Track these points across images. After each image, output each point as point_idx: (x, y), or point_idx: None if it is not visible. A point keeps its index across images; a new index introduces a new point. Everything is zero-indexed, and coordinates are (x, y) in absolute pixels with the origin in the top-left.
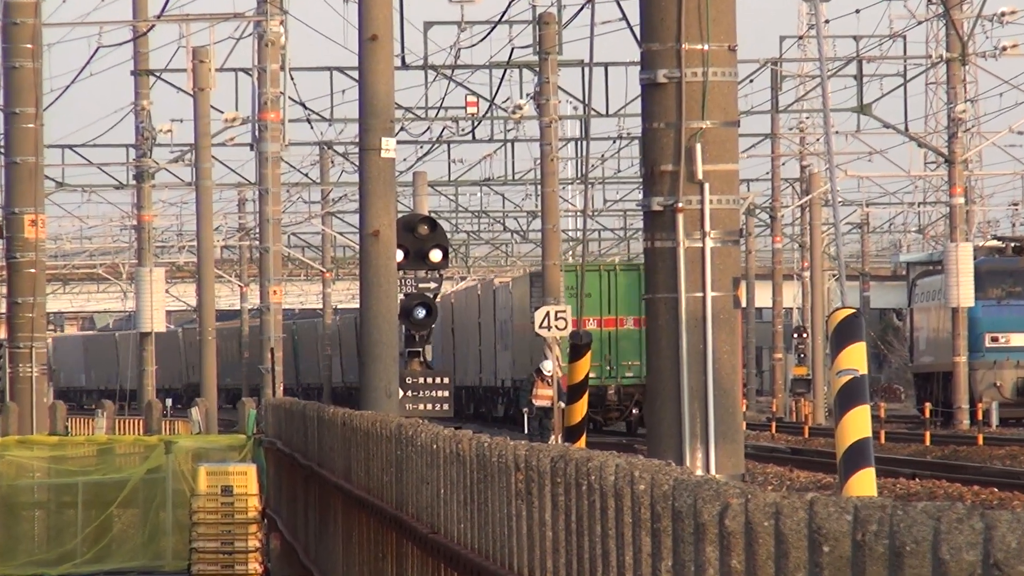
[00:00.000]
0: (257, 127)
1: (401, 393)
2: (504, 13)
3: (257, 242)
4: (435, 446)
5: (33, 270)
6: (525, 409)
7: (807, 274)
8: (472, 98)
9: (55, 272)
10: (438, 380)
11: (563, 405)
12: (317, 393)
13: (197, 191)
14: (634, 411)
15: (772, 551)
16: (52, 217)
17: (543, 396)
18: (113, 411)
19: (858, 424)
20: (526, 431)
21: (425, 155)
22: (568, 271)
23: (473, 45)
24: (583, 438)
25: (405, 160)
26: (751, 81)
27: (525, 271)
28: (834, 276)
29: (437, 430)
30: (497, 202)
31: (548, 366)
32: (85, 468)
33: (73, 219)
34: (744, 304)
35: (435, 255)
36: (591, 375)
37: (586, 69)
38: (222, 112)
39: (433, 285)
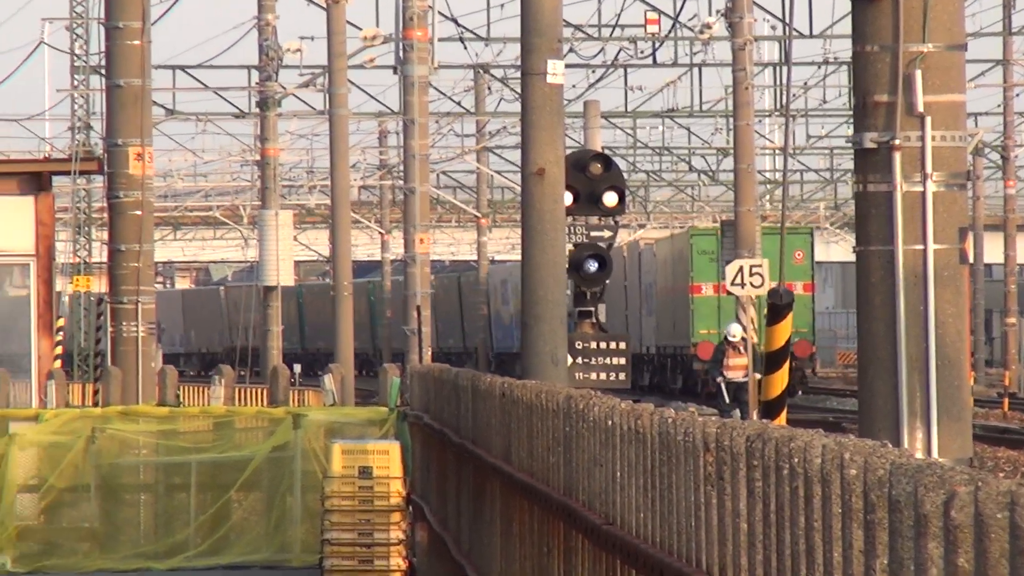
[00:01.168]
0: (401, 47)
1: (570, 360)
2: None
3: (401, 182)
4: (610, 422)
5: (139, 212)
6: (719, 379)
7: None
8: (653, 15)
9: (164, 215)
10: (613, 345)
11: (758, 376)
12: (459, 360)
13: (331, 121)
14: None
15: (1006, 548)
16: (161, 150)
17: (736, 366)
18: (232, 378)
19: None
20: (727, 401)
21: (598, 81)
22: (705, 235)
23: None
24: (783, 413)
25: (574, 87)
26: None
27: (716, 218)
28: None
29: (612, 403)
30: (682, 137)
31: (735, 329)
32: (199, 445)
33: (185, 153)
34: (971, 259)
35: (609, 198)
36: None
37: None
38: (360, 29)
39: (607, 234)
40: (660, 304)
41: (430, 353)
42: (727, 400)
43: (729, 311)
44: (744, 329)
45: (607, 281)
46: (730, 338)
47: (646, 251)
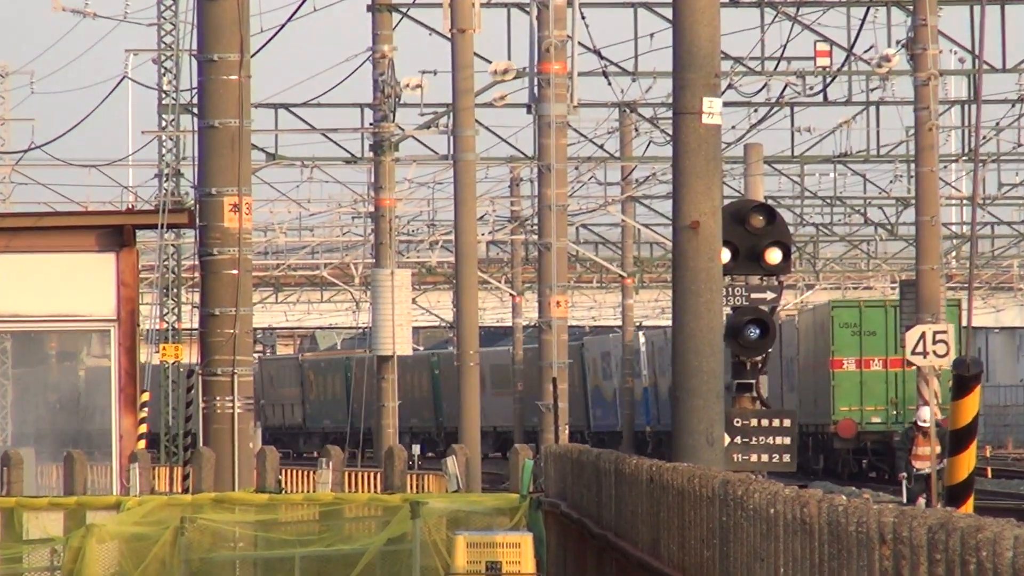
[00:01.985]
0: (536, 82)
1: (727, 439)
2: None
3: (534, 236)
4: (773, 510)
5: (235, 271)
6: (902, 476)
7: None
8: (823, 46)
9: (264, 275)
10: (777, 422)
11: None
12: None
13: (455, 167)
14: None
15: None
16: (261, 200)
17: (925, 456)
18: (342, 461)
19: None
20: (904, 500)
21: (760, 122)
22: (847, 308)
23: None
24: (970, 500)
25: (734, 128)
26: None
27: (894, 277)
28: None
29: (775, 489)
30: (856, 185)
31: (926, 414)
32: (304, 537)
33: (289, 203)
34: None
35: (773, 255)
36: (875, 420)
37: (976, 7)
38: (490, 62)
39: (770, 295)
40: (801, 380)
41: (567, 432)
42: (916, 493)
43: (873, 387)
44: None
45: (769, 350)
46: (920, 423)
47: (787, 323)
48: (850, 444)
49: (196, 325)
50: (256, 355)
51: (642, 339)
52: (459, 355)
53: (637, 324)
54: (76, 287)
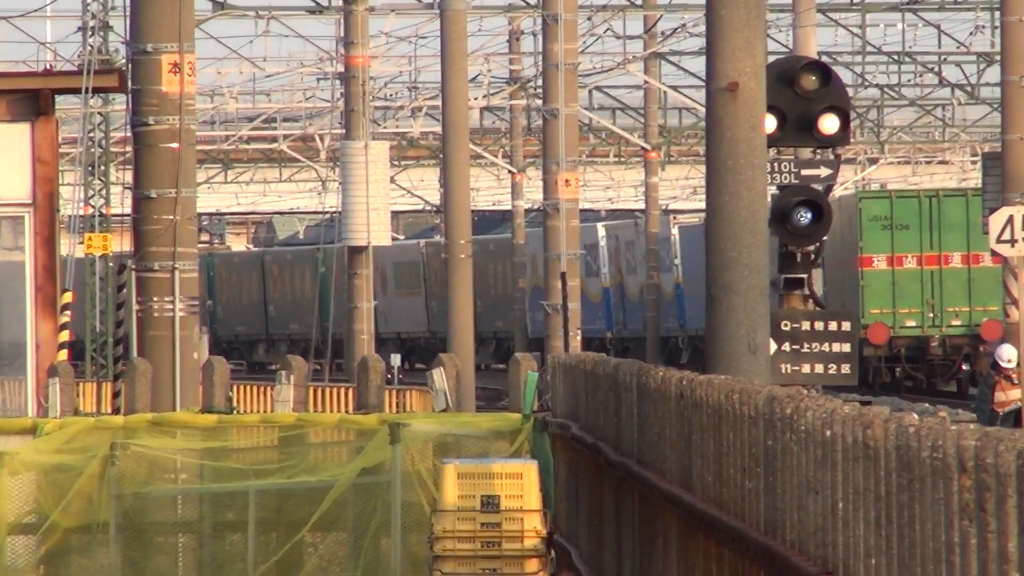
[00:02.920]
0: None
1: (773, 347)
2: None
3: (538, 101)
4: (829, 432)
5: (175, 145)
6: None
7: None
8: None
9: (210, 149)
10: (834, 326)
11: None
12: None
13: (442, 17)
14: (963, 367)
15: None
16: (207, 60)
17: (1009, 401)
18: (305, 373)
19: None
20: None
21: None
22: (876, 199)
23: None
24: None
25: None
26: None
27: (974, 148)
28: None
29: (832, 407)
30: (929, 38)
31: (1008, 353)
32: (261, 466)
33: (240, 63)
34: None
35: (828, 123)
36: (909, 324)
37: None
38: None
39: (825, 172)
40: (826, 280)
41: (579, 338)
42: None
43: (906, 287)
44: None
45: (824, 238)
46: (1003, 364)
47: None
48: (882, 351)
49: (128, 210)
50: (201, 246)
51: (601, 232)
52: (448, 245)
53: (663, 207)
54: None
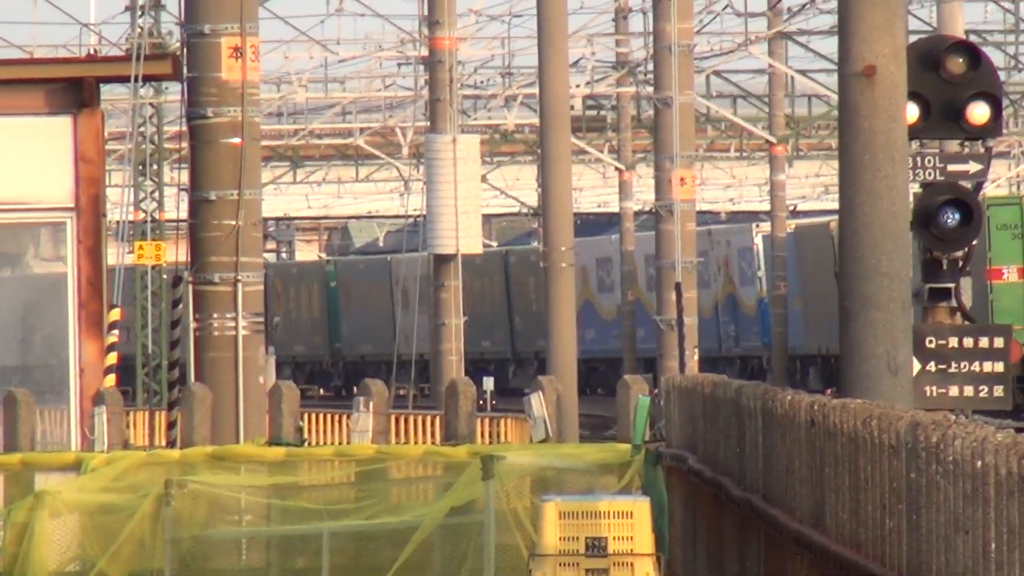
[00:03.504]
0: None
1: (917, 366)
2: None
3: (649, 88)
4: (980, 463)
5: (237, 140)
6: None
7: None
8: None
9: (277, 144)
10: (986, 342)
11: None
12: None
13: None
14: None
15: None
16: (272, 43)
17: None
18: (386, 401)
19: None
20: None
21: None
22: (1006, 206)
23: None
24: None
25: None
26: None
27: None
28: None
29: (983, 434)
30: None
31: None
32: (336, 506)
33: (311, 46)
34: None
35: (978, 112)
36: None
37: None
38: None
39: (975, 167)
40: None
41: (696, 358)
42: None
43: None
44: None
45: (975, 242)
46: None
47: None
48: (1015, 371)
49: (184, 215)
50: (267, 255)
51: (757, 237)
52: (546, 252)
53: (791, 207)
54: (18, 163)
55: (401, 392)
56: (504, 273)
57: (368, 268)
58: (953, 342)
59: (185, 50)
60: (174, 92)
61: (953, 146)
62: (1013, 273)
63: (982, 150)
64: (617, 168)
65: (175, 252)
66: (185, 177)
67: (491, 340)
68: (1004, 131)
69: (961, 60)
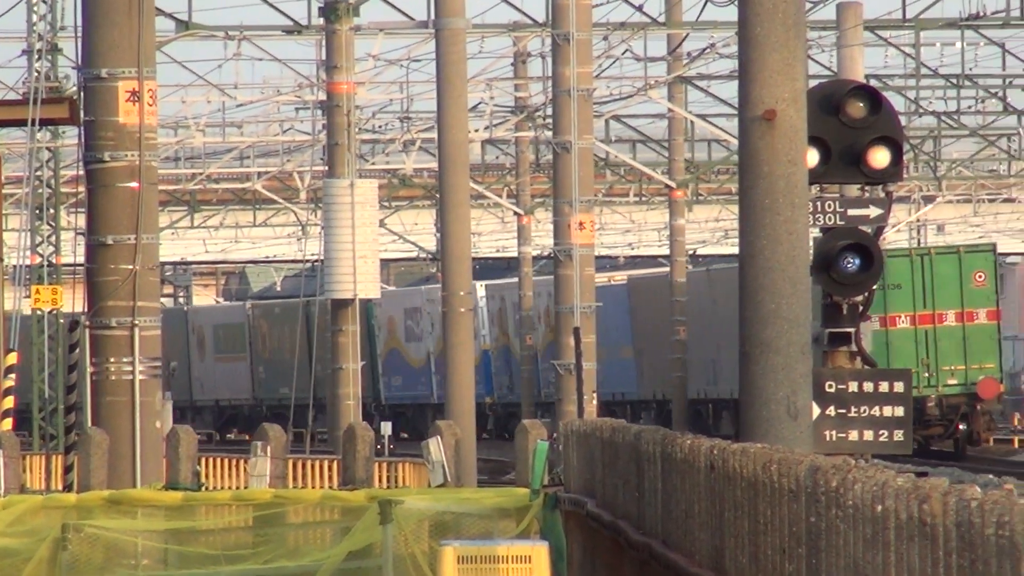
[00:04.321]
0: None
1: (817, 411)
2: None
3: (548, 133)
4: (880, 508)
5: (134, 185)
6: None
7: None
8: None
9: (175, 189)
10: (886, 387)
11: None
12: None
13: (437, 39)
14: (960, 427)
15: None
16: (170, 87)
17: None
18: (283, 444)
19: None
20: None
21: None
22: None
23: None
24: None
25: None
26: None
27: None
28: None
29: (883, 479)
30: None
31: None
32: (233, 551)
33: (208, 90)
34: None
35: (879, 156)
36: None
37: None
38: None
39: (874, 212)
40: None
41: (595, 402)
42: None
43: (901, 347)
44: None
45: (874, 287)
46: None
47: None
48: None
49: (81, 259)
50: (164, 300)
51: (481, 292)
52: (446, 297)
53: (690, 252)
54: None
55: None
56: (306, 321)
57: (283, 312)
58: (853, 386)
59: (82, 94)
60: (71, 136)
61: (853, 190)
62: (875, 322)
63: (883, 194)
64: (516, 212)
65: (72, 297)
66: (82, 221)
67: (289, 387)
68: (904, 176)
69: (862, 104)
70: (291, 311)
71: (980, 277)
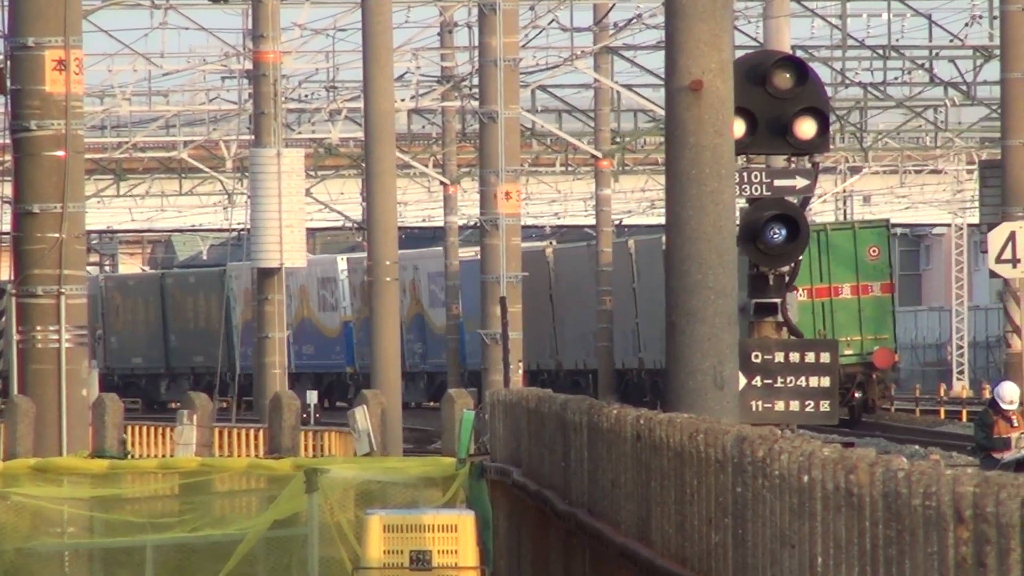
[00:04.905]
0: None
1: (743, 381)
2: None
3: (475, 103)
4: (807, 478)
5: (61, 153)
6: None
7: None
8: None
9: (101, 157)
10: (812, 357)
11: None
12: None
13: (364, 7)
14: (856, 395)
15: None
16: (96, 56)
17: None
18: (210, 412)
19: None
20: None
21: None
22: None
23: None
24: None
25: None
26: None
27: (971, 156)
28: None
29: (810, 449)
30: (919, 30)
31: (1010, 392)
32: (159, 519)
33: (135, 59)
34: None
35: (805, 127)
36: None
37: None
38: None
39: (801, 183)
40: None
41: (522, 372)
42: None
43: (801, 320)
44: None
45: (800, 257)
46: (1003, 404)
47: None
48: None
49: (8, 228)
50: (91, 268)
51: (342, 265)
52: (371, 266)
53: (616, 221)
54: None
55: (224, 405)
56: (160, 294)
57: (199, 280)
58: (779, 357)
59: (9, 63)
60: None
61: (780, 161)
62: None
63: (809, 166)
64: (442, 182)
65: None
66: (9, 190)
67: (143, 357)
68: (831, 147)
69: (788, 75)
70: (206, 280)
71: (874, 252)
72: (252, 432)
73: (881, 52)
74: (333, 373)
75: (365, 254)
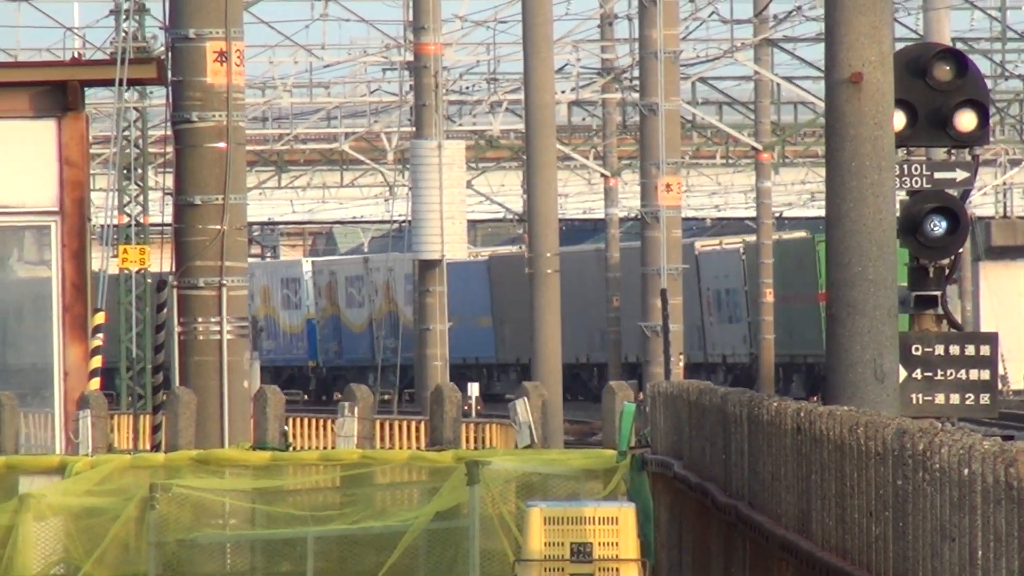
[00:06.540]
0: None
1: (903, 374)
2: None
3: (635, 95)
4: (967, 471)
5: (222, 145)
6: None
7: None
8: None
9: (262, 150)
10: (972, 350)
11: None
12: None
13: (524, 0)
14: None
15: None
16: (257, 47)
17: None
18: (370, 404)
19: None
20: None
21: None
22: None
23: None
24: None
25: None
26: None
27: None
28: None
29: (970, 442)
30: None
31: None
32: (321, 511)
33: (296, 51)
34: None
35: (965, 120)
36: None
37: None
38: None
39: (961, 175)
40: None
41: (682, 364)
42: None
43: None
44: None
45: (961, 250)
46: None
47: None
48: None
49: (169, 219)
50: (252, 260)
51: (306, 267)
52: (532, 258)
53: (777, 214)
54: (2, 167)
55: (385, 397)
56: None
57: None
58: (939, 349)
59: (170, 54)
60: (159, 96)
61: (940, 154)
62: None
63: (969, 158)
64: (602, 174)
65: (159, 257)
66: (170, 181)
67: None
68: (991, 139)
69: (948, 68)
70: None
71: None
72: (413, 424)
73: None
74: (294, 366)
75: (330, 257)
